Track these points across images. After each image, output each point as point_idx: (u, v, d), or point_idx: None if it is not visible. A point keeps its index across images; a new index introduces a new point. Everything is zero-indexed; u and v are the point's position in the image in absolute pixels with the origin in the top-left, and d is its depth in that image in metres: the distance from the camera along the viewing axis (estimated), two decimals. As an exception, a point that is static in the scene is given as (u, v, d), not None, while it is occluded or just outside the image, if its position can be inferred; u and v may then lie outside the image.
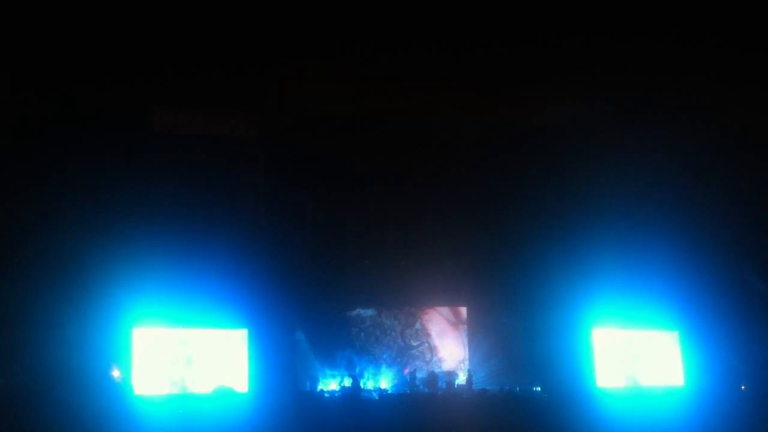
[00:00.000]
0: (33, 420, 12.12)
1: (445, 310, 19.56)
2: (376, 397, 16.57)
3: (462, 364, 19.00)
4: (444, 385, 17.72)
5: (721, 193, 16.87)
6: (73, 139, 14.82)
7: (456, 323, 19.49)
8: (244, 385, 15.78)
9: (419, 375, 17.96)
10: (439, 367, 19.00)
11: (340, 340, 18.38)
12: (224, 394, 14.97)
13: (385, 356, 18.84)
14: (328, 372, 17.80)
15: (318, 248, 18.05)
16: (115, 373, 14.97)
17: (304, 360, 17.52)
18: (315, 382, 17.44)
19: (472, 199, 18.18)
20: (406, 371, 18.65)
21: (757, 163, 16.26)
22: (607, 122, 17.03)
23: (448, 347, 19.28)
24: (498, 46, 14.71)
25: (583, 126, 17.04)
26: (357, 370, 17.86)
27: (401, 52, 14.87)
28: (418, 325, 19.30)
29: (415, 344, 19.19)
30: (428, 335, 19.34)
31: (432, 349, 19.22)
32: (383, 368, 18.60)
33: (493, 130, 17.15)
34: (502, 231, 17.92)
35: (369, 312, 19.08)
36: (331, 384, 17.70)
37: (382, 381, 18.20)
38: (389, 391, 17.25)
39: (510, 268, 18.88)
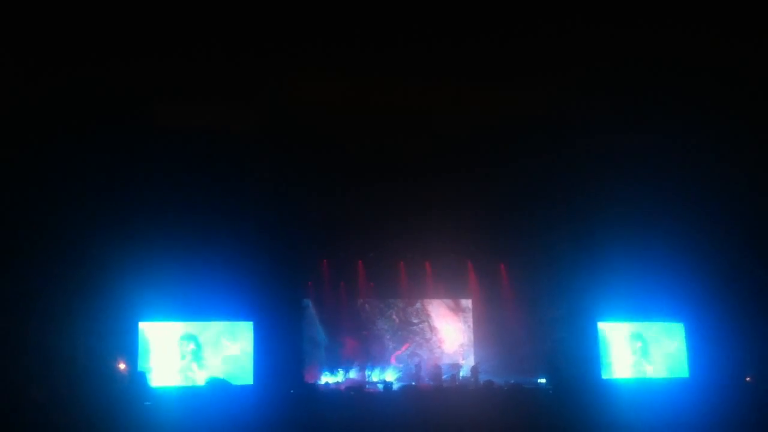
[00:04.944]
0: (42, 412, 12.20)
1: (445, 298, 19.92)
2: (381, 389, 16.64)
3: (461, 348, 19.26)
4: (448, 378, 17.81)
5: (728, 186, 16.81)
6: (78, 134, 14.86)
7: (456, 310, 19.82)
8: (249, 376, 15.89)
9: (424, 367, 18.09)
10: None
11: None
12: (218, 385, 15.00)
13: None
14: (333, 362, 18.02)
15: (324, 242, 18.10)
16: (123, 366, 15.09)
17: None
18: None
19: (476, 194, 18.16)
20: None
21: (762, 157, 16.20)
22: (614, 117, 16.96)
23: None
24: (497, 41, 14.65)
25: (589, 121, 16.97)
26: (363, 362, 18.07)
27: (400, 50, 14.84)
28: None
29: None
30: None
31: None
32: (387, 364, 18.81)
33: (496, 126, 17.11)
34: (507, 226, 17.92)
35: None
36: (336, 376, 17.83)
37: (387, 374, 18.33)
38: (394, 384, 17.33)
39: (515, 261, 18.97)
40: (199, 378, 15.66)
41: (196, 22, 13.56)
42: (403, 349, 19.10)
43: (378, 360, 18.70)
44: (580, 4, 13.70)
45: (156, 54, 14.23)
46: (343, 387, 16.73)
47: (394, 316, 19.58)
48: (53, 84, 14.58)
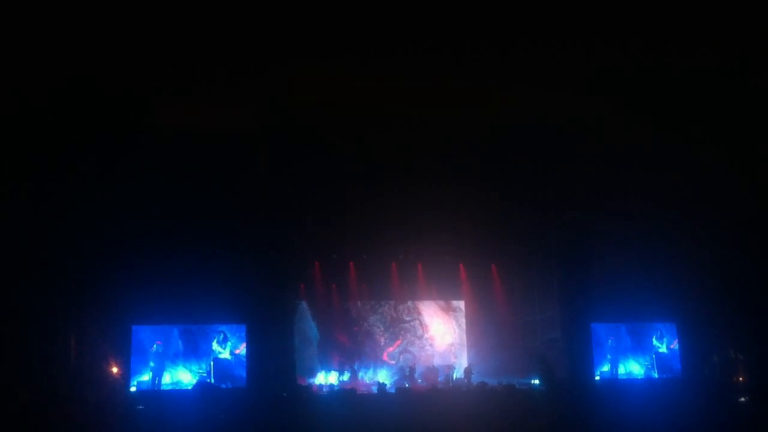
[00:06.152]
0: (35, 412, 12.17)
1: (436, 298, 20.03)
2: (376, 391, 16.62)
3: (452, 347, 19.29)
4: (442, 379, 17.81)
5: (719, 188, 16.87)
6: (72, 136, 14.82)
7: (447, 309, 19.94)
8: (242, 379, 15.88)
9: (418, 369, 18.09)
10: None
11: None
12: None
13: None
14: (325, 365, 18.02)
15: (316, 244, 18.06)
16: (116, 369, 15.06)
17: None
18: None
19: (468, 196, 18.16)
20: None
21: (754, 160, 16.29)
22: (606, 120, 17.00)
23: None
24: (499, 44, 14.69)
25: (582, 124, 17.01)
26: (355, 364, 18.06)
27: (401, 52, 14.85)
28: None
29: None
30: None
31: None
32: (380, 361, 18.83)
33: (491, 128, 17.13)
34: (499, 227, 17.91)
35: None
36: (329, 377, 17.80)
37: (380, 374, 18.33)
38: (388, 385, 17.32)
39: (506, 263, 18.99)
40: (190, 381, 15.67)
41: (195, 23, 13.53)
42: (395, 346, 19.16)
43: (370, 357, 18.72)
44: (581, 7, 13.74)
45: (154, 54, 14.19)
46: (336, 389, 16.72)
47: (385, 313, 19.67)
48: (51, 84, 14.54)
